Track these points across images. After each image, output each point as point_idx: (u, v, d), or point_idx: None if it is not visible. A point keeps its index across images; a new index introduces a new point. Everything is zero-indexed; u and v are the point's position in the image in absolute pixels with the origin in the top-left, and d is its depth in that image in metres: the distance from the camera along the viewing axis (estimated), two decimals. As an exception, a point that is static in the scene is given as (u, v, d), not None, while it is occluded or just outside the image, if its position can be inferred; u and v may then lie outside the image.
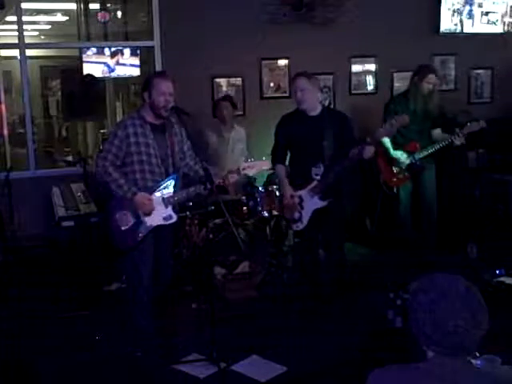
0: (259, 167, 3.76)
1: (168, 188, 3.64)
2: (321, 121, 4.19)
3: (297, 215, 4.24)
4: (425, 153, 5.11)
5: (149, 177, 3.62)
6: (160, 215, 3.63)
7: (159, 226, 3.65)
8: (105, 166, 3.56)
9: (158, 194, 3.62)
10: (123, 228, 3.60)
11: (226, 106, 5.46)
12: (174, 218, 3.69)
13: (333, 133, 4.14)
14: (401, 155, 5.11)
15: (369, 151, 4.00)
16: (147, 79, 3.71)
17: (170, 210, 3.66)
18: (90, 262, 4.74)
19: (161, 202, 3.62)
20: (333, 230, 4.28)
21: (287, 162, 4.47)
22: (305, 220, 4.23)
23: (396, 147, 5.14)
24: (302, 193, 4.20)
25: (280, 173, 4.38)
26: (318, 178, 4.15)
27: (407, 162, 5.11)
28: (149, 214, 3.61)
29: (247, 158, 5.41)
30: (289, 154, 4.44)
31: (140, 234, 3.60)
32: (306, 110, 4.21)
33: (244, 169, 3.68)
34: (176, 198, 3.65)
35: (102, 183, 3.64)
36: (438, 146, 5.07)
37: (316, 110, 4.25)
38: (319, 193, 4.15)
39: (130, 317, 3.75)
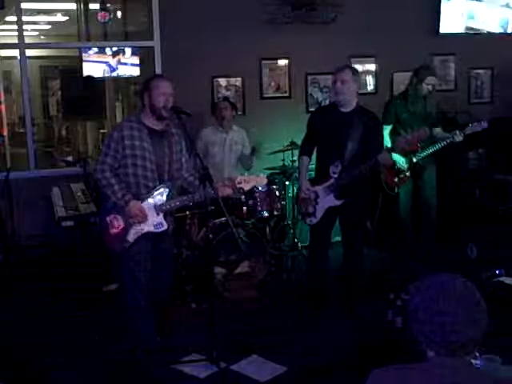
0: (255, 182, 3.74)
1: (161, 195, 3.62)
2: (350, 119, 4.08)
3: (311, 209, 4.21)
4: (425, 153, 5.10)
5: (142, 181, 3.59)
6: (151, 222, 3.62)
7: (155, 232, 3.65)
8: (103, 171, 3.55)
9: (150, 200, 3.60)
10: (112, 231, 3.60)
11: (226, 106, 5.39)
12: (165, 226, 3.66)
13: (360, 133, 4.05)
14: (401, 162, 5.10)
15: (385, 160, 4.04)
16: (146, 82, 3.69)
17: (161, 218, 3.64)
18: (90, 262, 4.74)
19: (152, 209, 3.61)
20: (352, 231, 4.25)
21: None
22: (318, 215, 4.19)
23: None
24: (318, 189, 4.18)
25: (301, 165, 4.33)
26: (335, 176, 4.10)
27: (406, 166, 5.12)
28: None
29: (247, 163, 5.40)
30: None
31: (129, 239, 3.59)
32: (340, 102, 4.11)
33: (240, 183, 3.65)
34: (168, 206, 3.64)
35: (99, 187, 3.65)
36: (439, 146, 5.06)
37: (349, 107, 4.12)
38: (334, 191, 4.12)
39: (128, 318, 3.75)
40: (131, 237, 3.59)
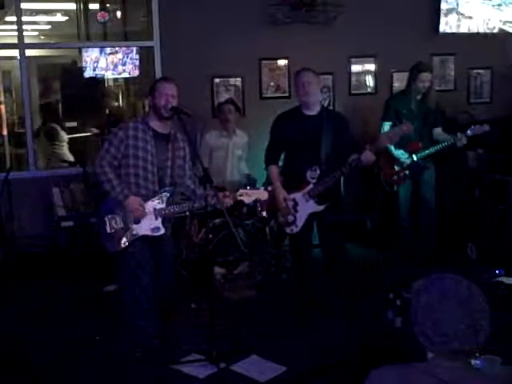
0: (256, 196, 3.74)
1: (161, 200, 3.63)
2: (319, 121, 4.08)
3: (291, 218, 4.13)
4: (426, 153, 5.08)
5: (142, 183, 3.62)
6: (148, 225, 3.63)
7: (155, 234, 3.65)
8: (102, 166, 3.59)
9: (150, 203, 3.62)
10: (108, 231, 3.62)
11: (230, 109, 5.28)
12: (162, 231, 3.67)
13: (331, 134, 4.04)
14: (402, 155, 5.10)
15: (368, 158, 3.95)
16: (152, 84, 3.76)
17: (159, 222, 3.65)
18: (90, 262, 4.74)
19: (152, 213, 3.62)
20: (331, 235, 4.20)
21: (281, 163, 4.36)
22: (300, 223, 4.13)
23: (398, 146, 5.14)
24: (297, 196, 4.11)
25: (273, 174, 4.23)
26: (314, 181, 4.05)
27: (408, 161, 5.10)
28: (137, 221, 3.61)
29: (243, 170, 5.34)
30: (283, 155, 4.32)
31: (124, 240, 3.59)
32: (307, 104, 4.09)
33: (241, 195, 3.67)
34: (167, 212, 3.65)
35: (98, 182, 3.67)
36: (440, 147, 5.04)
37: (315, 110, 4.14)
38: (315, 197, 4.07)
39: (128, 318, 3.75)
40: (127, 238, 3.60)
